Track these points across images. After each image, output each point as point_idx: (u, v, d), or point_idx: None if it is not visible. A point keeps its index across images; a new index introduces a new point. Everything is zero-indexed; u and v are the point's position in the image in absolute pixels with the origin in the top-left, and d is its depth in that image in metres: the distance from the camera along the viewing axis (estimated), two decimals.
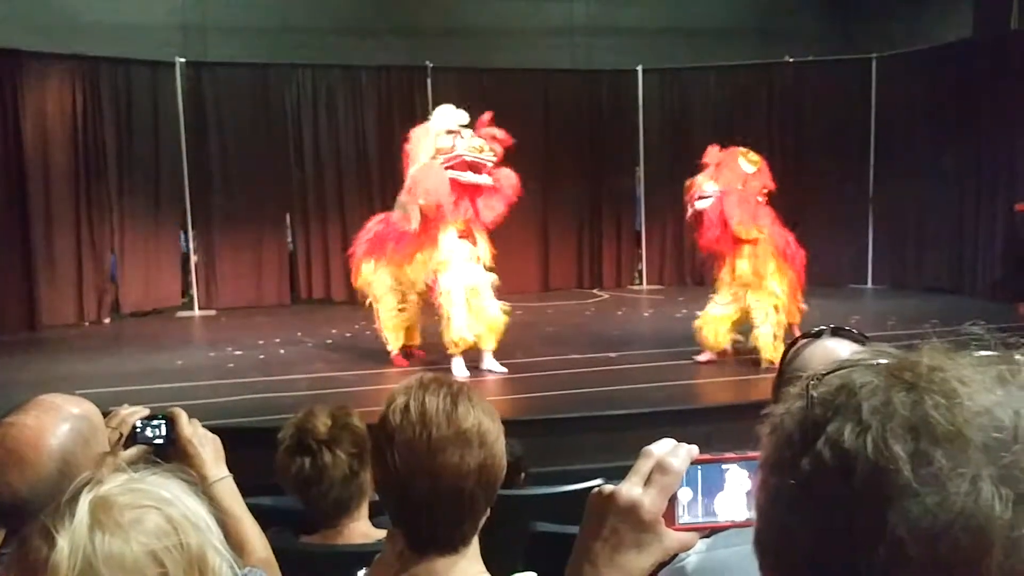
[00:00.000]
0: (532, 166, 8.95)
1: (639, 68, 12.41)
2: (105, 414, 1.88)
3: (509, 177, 7.02)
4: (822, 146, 12.02)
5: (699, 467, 0.91)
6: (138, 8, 10.84)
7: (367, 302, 7.53)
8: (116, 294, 10.74)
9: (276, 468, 2.40)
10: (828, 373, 0.64)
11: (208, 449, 1.90)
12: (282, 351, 8.39)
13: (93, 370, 7.49)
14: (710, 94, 12.64)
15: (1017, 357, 0.62)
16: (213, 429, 1.98)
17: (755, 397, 5.85)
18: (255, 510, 1.94)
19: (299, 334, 9.16)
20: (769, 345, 7.01)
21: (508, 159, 7.10)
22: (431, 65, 11.59)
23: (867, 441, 0.58)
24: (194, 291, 11.22)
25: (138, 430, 1.92)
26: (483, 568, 1.49)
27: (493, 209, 7.00)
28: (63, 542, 0.91)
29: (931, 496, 0.56)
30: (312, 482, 2.32)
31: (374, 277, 7.34)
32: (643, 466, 0.91)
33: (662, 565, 0.93)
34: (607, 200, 12.75)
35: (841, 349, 1.42)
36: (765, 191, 7.32)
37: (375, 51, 11.61)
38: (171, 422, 1.92)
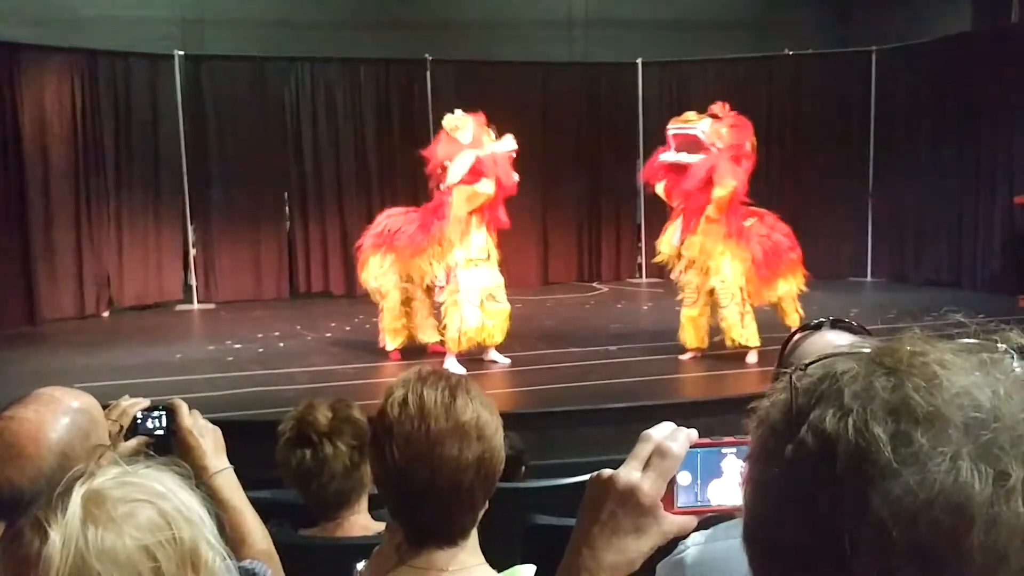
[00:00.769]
0: (531, 159, 8.92)
1: (639, 61, 12.40)
2: (105, 407, 1.88)
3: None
4: (822, 138, 12.00)
5: (698, 451, 0.91)
6: (137, 1, 10.82)
7: (379, 305, 7.48)
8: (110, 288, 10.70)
9: (277, 461, 2.40)
10: (812, 363, 0.65)
11: (209, 440, 1.90)
12: (281, 344, 8.39)
13: (92, 364, 7.49)
14: (709, 87, 12.57)
15: (997, 343, 0.62)
16: (212, 422, 1.97)
17: (756, 389, 5.84)
18: (254, 504, 1.94)
19: (298, 327, 9.16)
20: (736, 324, 6.91)
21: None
22: (430, 58, 11.57)
23: (848, 424, 0.59)
24: (193, 284, 11.22)
25: (139, 421, 1.93)
26: (482, 560, 1.49)
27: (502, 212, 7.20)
28: (55, 535, 0.91)
29: (912, 475, 0.57)
30: (313, 474, 2.32)
31: (380, 271, 7.31)
32: (642, 450, 0.91)
33: (660, 549, 0.94)
34: (606, 193, 12.72)
35: (840, 341, 1.41)
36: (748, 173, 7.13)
37: (374, 44, 11.59)
38: (172, 413, 1.92)
